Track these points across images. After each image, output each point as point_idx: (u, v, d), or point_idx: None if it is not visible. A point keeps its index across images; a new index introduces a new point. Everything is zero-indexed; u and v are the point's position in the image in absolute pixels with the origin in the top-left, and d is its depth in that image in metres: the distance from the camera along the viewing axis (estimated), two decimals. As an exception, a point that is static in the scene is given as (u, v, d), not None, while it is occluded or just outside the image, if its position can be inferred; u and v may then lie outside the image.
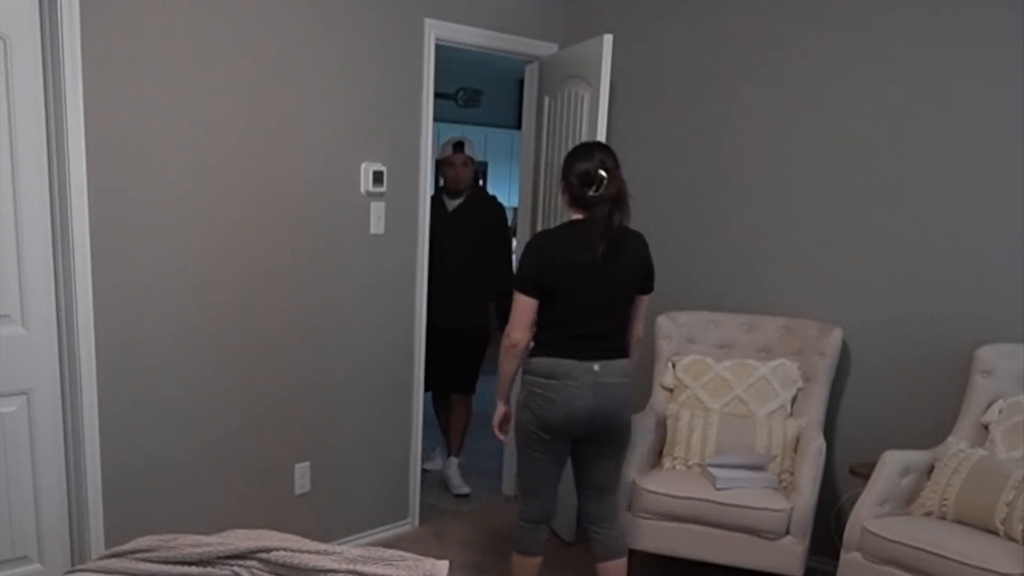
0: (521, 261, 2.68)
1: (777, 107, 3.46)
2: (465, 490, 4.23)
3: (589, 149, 2.69)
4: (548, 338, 2.66)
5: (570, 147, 3.53)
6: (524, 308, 2.62)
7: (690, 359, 3.43)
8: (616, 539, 2.82)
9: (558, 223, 3.69)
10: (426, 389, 4.36)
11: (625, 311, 2.73)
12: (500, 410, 2.84)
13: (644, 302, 2.78)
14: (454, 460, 4.37)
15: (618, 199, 2.59)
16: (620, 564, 2.83)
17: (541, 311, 2.64)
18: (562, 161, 2.74)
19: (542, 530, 2.81)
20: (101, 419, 2.73)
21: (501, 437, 2.91)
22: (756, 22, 3.48)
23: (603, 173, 2.59)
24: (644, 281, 2.74)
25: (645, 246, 2.72)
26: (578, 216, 2.66)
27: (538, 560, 2.82)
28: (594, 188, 2.59)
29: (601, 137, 3.32)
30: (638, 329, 2.81)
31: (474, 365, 4.37)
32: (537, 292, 2.61)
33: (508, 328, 2.65)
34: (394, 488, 3.72)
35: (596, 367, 2.62)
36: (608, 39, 3.30)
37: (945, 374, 3.14)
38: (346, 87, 3.22)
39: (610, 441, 2.73)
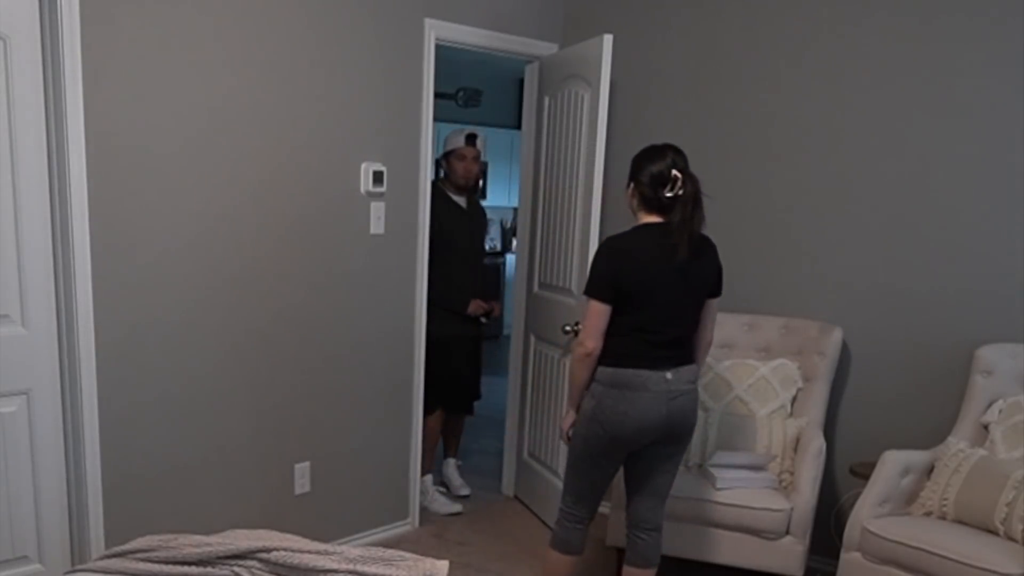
0: (594, 267, 2.57)
1: (776, 107, 3.46)
2: (466, 491, 4.21)
3: (661, 150, 2.59)
4: (621, 346, 2.56)
5: (571, 147, 3.56)
6: (598, 315, 2.53)
7: (690, 359, 3.43)
8: (657, 549, 2.77)
9: (556, 223, 3.74)
10: (448, 408, 4.16)
11: (698, 315, 2.65)
12: (571, 417, 2.73)
13: (714, 306, 2.70)
14: (452, 461, 4.32)
15: (696, 200, 2.53)
16: (651, 574, 2.79)
17: (615, 317, 2.55)
18: (629, 163, 2.66)
19: (585, 529, 2.78)
20: (101, 419, 2.73)
21: (568, 442, 2.79)
22: (756, 22, 3.48)
23: (677, 173, 2.52)
24: (717, 284, 2.68)
25: (715, 247, 2.65)
26: (650, 219, 2.58)
27: (577, 559, 2.80)
28: (669, 188, 2.52)
29: (601, 136, 3.32)
30: (710, 334, 2.73)
31: (479, 370, 4.32)
32: (612, 298, 2.52)
33: (582, 336, 2.58)
34: (394, 488, 3.71)
35: (669, 375, 2.55)
36: (608, 39, 3.30)
37: (945, 374, 3.14)
38: (346, 87, 3.22)
39: (675, 445, 2.66)
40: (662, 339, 2.55)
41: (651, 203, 2.56)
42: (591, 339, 2.55)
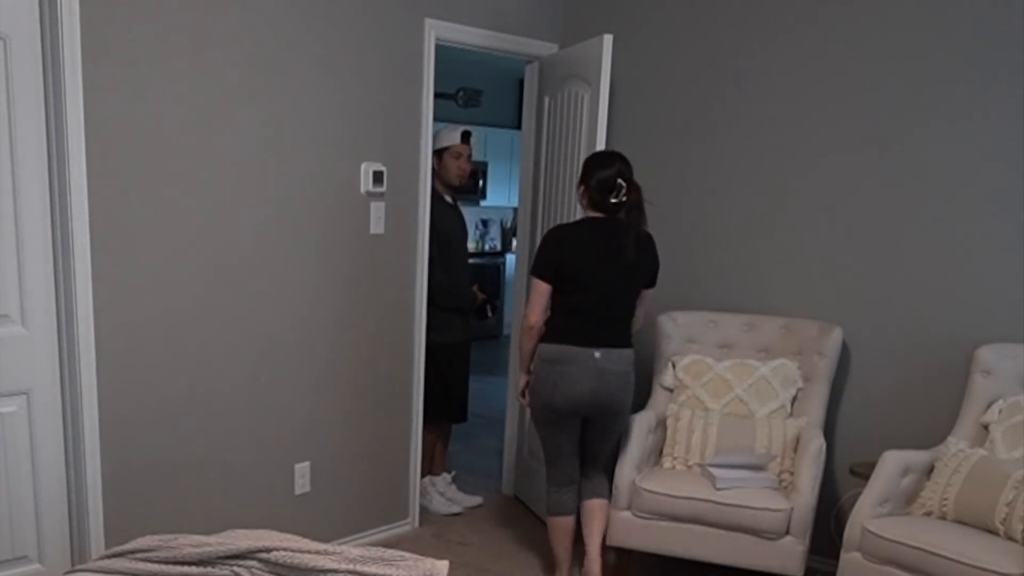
0: (540, 251, 2.93)
1: (776, 107, 3.46)
2: (477, 500, 4.09)
3: (609, 157, 2.95)
4: (558, 325, 2.94)
5: (571, 147, 3.56)
6: (541, 293, 2.92)
7: (690, 359, 3.43)
8: (599, 484, 3.11)
9: (556, 223, 3.73)
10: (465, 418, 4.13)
11: (633, 303, 3.02)
12: (524, 380, 3.12)
13: (648, 296, 3.10)
14: (447, 476, 4.11)
15: (639, 206, 2.91)
16: (603, 504, 3.10)
17: (557, 296, 2.92)
18: (581, 166, 3.00)
19: (571, 491, 3.12)
20: (101, 419, 2.73)
21: (524, 402, 3.18)
22: (756, 23, 3.48)
23: (622, 182, 2.88)
24: (651, 277, 3.05)
25: (654, 245, 3.02)
26: (596, 215, 2.95)
27: (572, 519, 3.12)
28: (614, 195, 2.88)
29: (602, 136, 3.33)
30: (640, 319, 3.12)
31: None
32: (553, 279, 2.89)
33: (526, 311, 2.98)
34: (394, 488, 3.71)
35: (597, 354, 2.91)
36: (608, 39, 3.30)
37: (945, 374, 3.14)
38: (346, 87, 3.22)
39: (608, 421, 3.04)
40: (595, 319, 2.92)
41: (599, 206, 2.93)
42: (534, 314, 2.95)
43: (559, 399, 2.94)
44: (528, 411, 4.04)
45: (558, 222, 3.70)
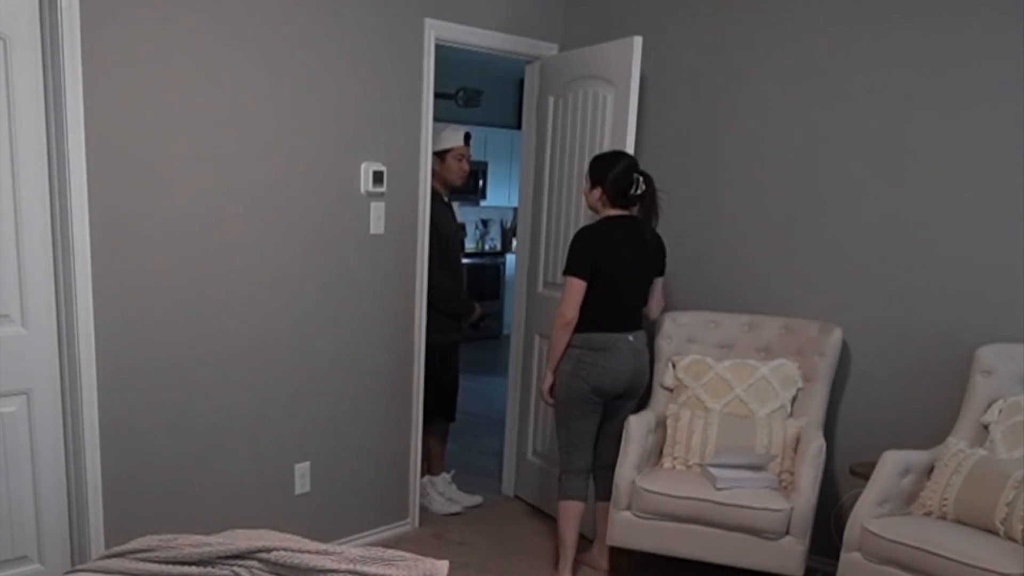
0: (575, 252, 3.09)
1: (776, 109, 3.46)
2: (477, 500, 4.10)
3: (615, 156, 3.16)
4: (591, 315, 3.10)
5: (589, 146, 3.58)
6: (577, 290, 3.07)
7: (690, 359, 3.43)
8: (611, 483, 3.16)
9: (565, 222, 3.74)
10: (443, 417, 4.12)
11: (647, 290, 3.25)
12: (549, 379, 3.24)
13: (660, 282, 3.32)
14: (447, 476, 4.12)
15: (654, 197, 3.13)
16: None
17: (590, 292, 3.08)
18: (587, 167, 3.19)
19: (586, 479, 3.26)
20: (101, 419, 2.73)
21: (551, 401, 3.28)
22: (757, 25, 3.48)
23: (639, 175, 3.10)
24: (663, 266, 3.29)
25: (660, 236, 3.24)
26: (614, 212, 3.14)
27: (583, 504, 3.25)
28: (634, 188, 3.10)
29: (631, 136, 3.38)
30: (662, 301, 3.37)
31: None
32: (589, 276, 3.06)
33: (562, 308, 3.10)
34: (394, 488, 3.72)
35: (630, 337, 3.16)
36: (638, 40, 3.36)
37: (945, 374, 3.14)
38: (346, 87, 3.22)
39: (633, 397, 3.27)
40: (623, 308, 3.16)
41: (617, 202, 3.13)
42: (571, 310, 3.09)
43: (609, 380, 3.11)
44: (540, 407, 4.07)
45: (568, 220, 3.73)
